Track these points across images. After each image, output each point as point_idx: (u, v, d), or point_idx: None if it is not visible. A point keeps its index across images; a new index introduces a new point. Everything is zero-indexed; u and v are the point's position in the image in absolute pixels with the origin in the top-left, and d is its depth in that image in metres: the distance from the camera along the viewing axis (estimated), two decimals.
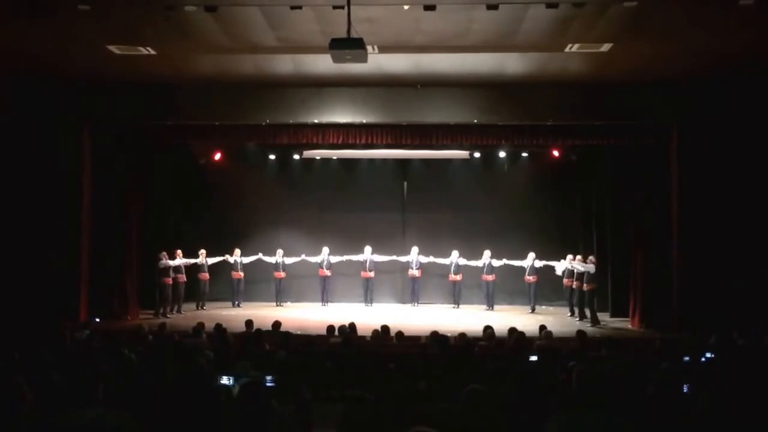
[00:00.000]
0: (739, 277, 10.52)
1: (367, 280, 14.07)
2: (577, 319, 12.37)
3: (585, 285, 12.29)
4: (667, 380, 4.88)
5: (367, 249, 13.97)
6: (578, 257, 12.75)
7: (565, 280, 13.02)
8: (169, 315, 12.55)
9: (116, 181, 12.10)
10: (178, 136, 12.26)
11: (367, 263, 13.95)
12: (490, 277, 13.65)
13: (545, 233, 14.47)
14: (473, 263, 13.71)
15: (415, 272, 13.94)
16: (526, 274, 13.49)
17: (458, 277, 13.85)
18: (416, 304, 14.08)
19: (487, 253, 13.66)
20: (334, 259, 13.99)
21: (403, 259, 14.05)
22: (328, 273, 14.01)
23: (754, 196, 10.76)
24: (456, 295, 13.98)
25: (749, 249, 10.68)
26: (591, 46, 9.08)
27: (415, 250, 13.97)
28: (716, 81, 10.55)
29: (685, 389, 5.01)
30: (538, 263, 13.37)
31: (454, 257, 13.81)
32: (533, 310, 13.38)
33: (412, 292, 14.13)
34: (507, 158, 14.48)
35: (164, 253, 12.84)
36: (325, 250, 14.01)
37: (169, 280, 12.84)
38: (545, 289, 14.22)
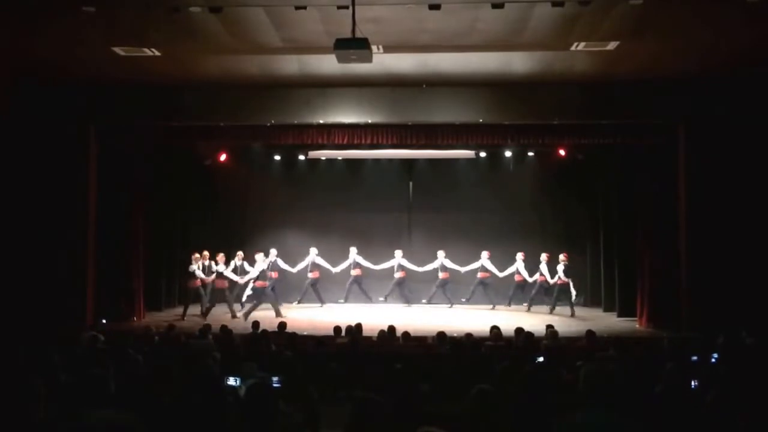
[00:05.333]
0: (747, 276, 10.45)
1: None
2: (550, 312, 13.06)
3: (559, 280, 13.11)
4: (675, 380, 4.86)
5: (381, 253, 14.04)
6: (561, 256, 13.21)
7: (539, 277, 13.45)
8: (184, 317, 12.36)
9: (122, 183, 12.11)
10: (183, 137, 12.28)
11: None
12: (486, 274, 13.74)
13: (552, 233, 14.47)
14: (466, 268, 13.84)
15: (397, 274, 13.93)
16: (539, 275, 13.48)
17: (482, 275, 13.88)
18: (429, 302, 14.17)
19: (484, 254, 13.73)
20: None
21: (386, 265, 13.98)
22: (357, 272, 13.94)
23: (762, 194, 10.67)
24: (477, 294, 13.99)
25: (758, 248, 10.60)
26: (597, 45, 9.04)
27: (398, 253, 13.95)
28: (724, 79, 10.46)
29: (695, 387, 4.99)
30: (544, 268, 13.42)
31: (483, 261, 13.80)
32: (552, 310, 13.33)
33: (401, 293, 14.09)
34: (513, 158, 14.45)
35: (195, 255, 12.76)
36: (353, 250, 13.98)
37: (198, 282, 12.69)
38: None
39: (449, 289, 14.05)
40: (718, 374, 5.49)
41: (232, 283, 13.05)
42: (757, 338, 7.90)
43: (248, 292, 13.13)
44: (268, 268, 12.90)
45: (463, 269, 13.89)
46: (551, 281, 13.28)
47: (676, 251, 11.31)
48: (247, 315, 12.14)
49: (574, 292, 13.15)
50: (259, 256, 12.87)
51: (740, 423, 3.54)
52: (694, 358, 6.56)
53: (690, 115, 10.98)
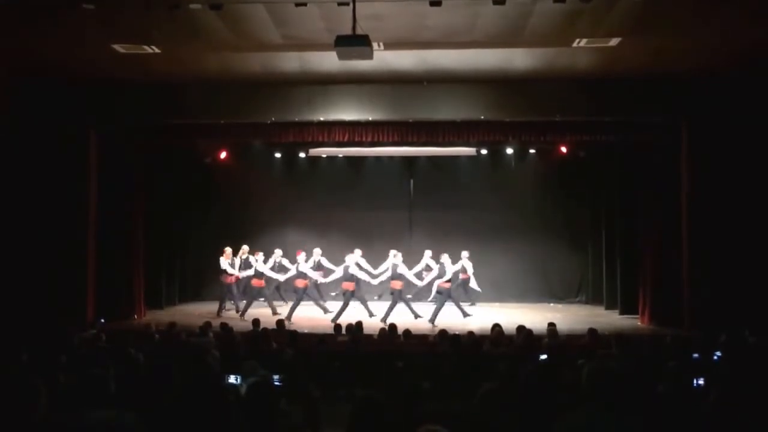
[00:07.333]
0: (750, 274, 10.42)
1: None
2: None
3: (463, 275, 13.11)
4: (677, 378, 4.84)
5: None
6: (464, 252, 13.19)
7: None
8: (223, 313, 12.20)
9: (122, 181, 12.07)
10: (184, 135, 12.24)
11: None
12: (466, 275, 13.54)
13: (553, 231, 14.43)
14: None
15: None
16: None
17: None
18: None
19: (464, 254, 13.30)
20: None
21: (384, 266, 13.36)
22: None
23: (765, 193, 10.63)
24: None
25: (761, 246, 10.57)
26: (599, 41, 8.99)
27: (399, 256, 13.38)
28: (728, 76, 10.40)
29: (697, 385, 4.97)
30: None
31: (464, 261, 13.59)
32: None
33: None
34: (514, 155, 14.41)
35: (226, 249, 12.57)
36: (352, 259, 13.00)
37: (231, 279, 12.50)
38: (555, 287, 14.27)
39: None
40: (721, 373, 5.47)
41: (269, 280, 12.74)
42: (760, 337, 7.87)
43: (433, 293, 12.50)
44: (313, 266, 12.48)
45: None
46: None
47: (678, 249, 11.27)
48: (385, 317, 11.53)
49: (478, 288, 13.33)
50: (445, 257, 12.18)
51: (742, 422, 3.52)
52: (696, 356, 6.53)
53: (693, 112, 10.93)
